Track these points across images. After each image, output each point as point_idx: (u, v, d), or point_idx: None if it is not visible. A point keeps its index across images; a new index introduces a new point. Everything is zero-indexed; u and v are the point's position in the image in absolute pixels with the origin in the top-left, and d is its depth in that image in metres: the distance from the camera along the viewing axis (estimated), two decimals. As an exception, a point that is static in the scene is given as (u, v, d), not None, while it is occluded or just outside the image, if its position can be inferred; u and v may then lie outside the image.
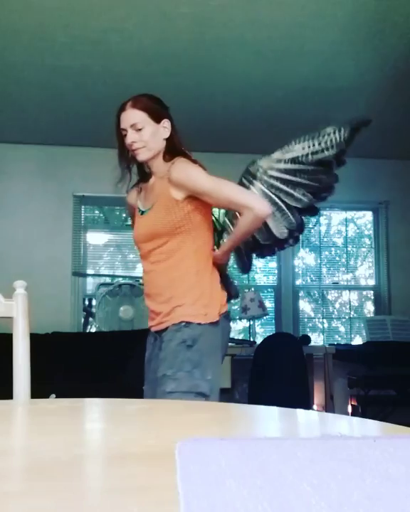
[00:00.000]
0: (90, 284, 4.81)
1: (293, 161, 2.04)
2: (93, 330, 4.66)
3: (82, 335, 4.48)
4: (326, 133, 2.15)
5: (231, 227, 2.03)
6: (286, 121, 4.20)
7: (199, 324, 1.77)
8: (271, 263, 5.05)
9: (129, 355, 3.61)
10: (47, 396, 2.82)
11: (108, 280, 4.78)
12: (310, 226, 5.23)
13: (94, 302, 4.53)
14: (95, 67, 3.39)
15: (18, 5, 2.75)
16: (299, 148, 2.11)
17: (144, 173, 1.96)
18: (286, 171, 2.02)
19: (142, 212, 1.91)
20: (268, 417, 0.94)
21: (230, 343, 3.20)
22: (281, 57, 3.27)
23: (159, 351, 1.85)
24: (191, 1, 2.72)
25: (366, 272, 5.29)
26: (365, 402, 4.18)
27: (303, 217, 2.08)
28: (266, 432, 0.83)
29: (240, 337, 4.79)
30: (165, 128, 1.84)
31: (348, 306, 5.20)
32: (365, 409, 4.18)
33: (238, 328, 4.97)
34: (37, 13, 2.82)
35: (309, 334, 4.65)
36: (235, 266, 2.30)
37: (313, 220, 5.24)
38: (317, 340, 4.96)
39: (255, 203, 1.78)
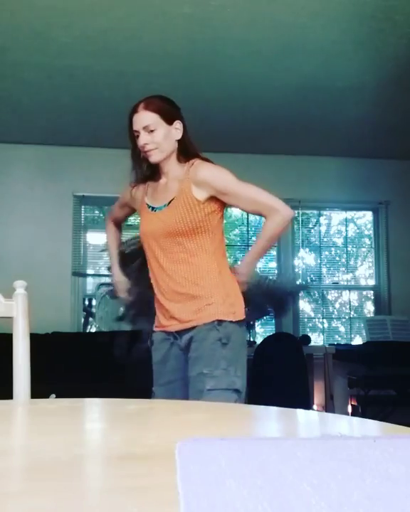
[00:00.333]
0: (90, 284, 4.82)
1: None
2: (93, 330, 4.66)
3: (82, 335, 4.48)
4: None
5: None
6: (286, 121, 4.20)
7: (230, 322, 1.79)
8: (271, 263, 5.05)
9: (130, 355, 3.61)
10: (47, 396, 2.81)
11: (108, 280, 4.78)
12: (310, 226, 5.24)
13: (94, 302, 4.53)
14: (95, 67, 3.39)
15: (18, 5, 2.75)
16: None
17: (153, 172, 1.95)
18: None
19: (153, 209, 1.90)
20: (268, 417, 0.94)
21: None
22: (281, 57, 3.27)
23: (181, 352, 1.84)
24: (191, 1, 2.72)
25: (366, 272, 5.29)
26: (365, 402, 4.18)
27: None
28: (266, 432, 0.83)
29: (240, 337, 4.78)
30: (177, 129, 1.84)
31: (348, 306, 5.20)
32: (365, 409, 4.18)
33: (238, 328, 4.96)
34: (37, 13, 2.82)
35: (309, 334, 4.65)
36: None
37: (313, 220, 5.24)
38: (317, 340, 4.96)
39: (280, 205, 1.80)
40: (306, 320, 5.11)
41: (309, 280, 5.15)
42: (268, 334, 4.47)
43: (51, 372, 3.40)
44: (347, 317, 5.17)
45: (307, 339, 4.42)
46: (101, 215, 5.15)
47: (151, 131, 1.81)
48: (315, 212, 5.22)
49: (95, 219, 5.10)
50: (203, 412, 0.93)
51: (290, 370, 3.84)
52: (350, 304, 5.20)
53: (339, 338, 5.12)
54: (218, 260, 1.86)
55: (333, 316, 5.22)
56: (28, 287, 1.31)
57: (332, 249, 5.23)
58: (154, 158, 1.85)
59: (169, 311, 1.84)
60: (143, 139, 1.82)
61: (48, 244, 4.58)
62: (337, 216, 5.30)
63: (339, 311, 5.26)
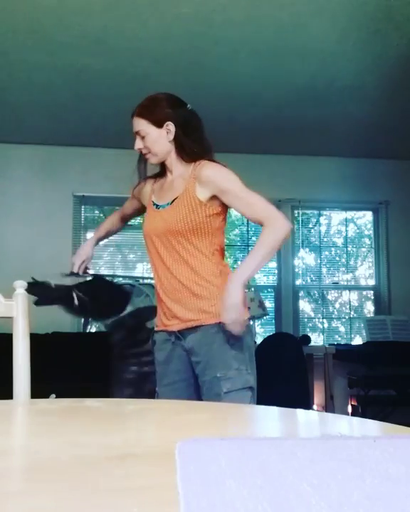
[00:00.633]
0: (90, 284, 4.81)
1: None
2: (93, 330, 4.66)
3: (82, 335, 4.48)
4: None
5: None
6: (286, 121, 4.20)
7: None
8: (271, 263, 5.05)
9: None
10: (47, 396, 2.81)
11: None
12: (310, 226, 5.24)
13: (94, 302, 4.53)
14: (95, 66, 3.39)
15: (18, 5, 2.75)
16: None
17: (163, 170, 1.98)
18: None
19: (157, 207, 1.90)
20: (268, 417, 0.94)
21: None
22: (281, 57, 3.27)
23: (184, 353, 1.83)
24: (191, 1, 2.72)
25: (366, 272, 5.29)
26: (365, 402, 4.18)
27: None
28: (266, 432, 0.83)
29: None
30: (169, 131, 1.85)
31: (348, 306, 5.20)
32: (365, 409, 4.18)
33: (238, 328, 4.96)
34: (37, 13, 2.82)
35: (309, 334, 4.65)
36: None
37: (313, 220, 5.24)
38: (317, 340, 4.96)
39: (280, 215, 1.77)
40: (306, 320, 5.11)
41: (139, 281, 5.15)
42: (268, 334, 4.47)
43: (51, 372, 3.40)
44: (347, 317, 5.18)
45: (307, 339, 4.42)
46: (101, 215, 5.15)
47: (143, 136, 1.87)
48: (315, 212, 5.22)
49: (95, 219, 5.10)
50: (203, 412, 0.93)
51: (290, 370, 3.84)
52: (350, 304, 5.20)
53: (339, 338, 5.12)
54: (218, 262, 1.86)
55: (333, 316, 5.22)
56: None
57: (332, 249, 5.23)
58: (151, 160, 1.93)
59: (171, 310, 1.84)
60: (136, 144, 1.90)
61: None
62: (337, 216, 5.30)
63: (339, 311, 5.26)
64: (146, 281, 4.78)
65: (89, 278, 2.16)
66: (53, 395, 3.00)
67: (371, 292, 5.18)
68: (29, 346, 1.26)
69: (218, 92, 3.74)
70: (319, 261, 5.14)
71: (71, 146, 4.64)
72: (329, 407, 4.27)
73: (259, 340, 4.35)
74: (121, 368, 2.60)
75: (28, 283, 1.40)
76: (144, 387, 2.40)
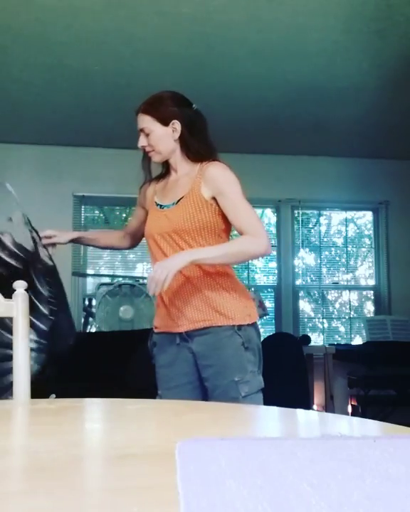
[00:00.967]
0: (90, 284, 4.82)
1: None
2: (93, 330, 4.66)
3: (82, 335, 4.48)
4: None
5: None
6: (286, 121, 4.20)
7: (248, 325, 1.78)
8: (271, 263, 5.05)
9: (130, 355, 3.61)
10: (47, 396, 2.81)
11: (108, 280, 4.78)
12: (310, 226, 5.24)
13: (94, 302, 4.53)
14: (95, 67, 3.38)
15: (18, 4, 2.75)
16: None
17: (167, 169, 1.96)
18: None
19: (161, 207, 1.87)
20: (268, 417, 0.94)
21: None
22: (281, 57, 3.27)
23: (191, 354, 1.79)
24: (191, 1, 2.72)
25: (366, 272, 5.29)
26: (365, 402, 4.18)
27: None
28: (266, 432, 0.83)
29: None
30: (175, 129, 1.83)
31: (348, 306, 5.20)
32: (365, 409, 4.18)
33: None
34: (37, 13, 2.82)
35: (309, 334, 4.65)
36: None
37: (313, 220, 5.24)
38: (317, 340, 4.96)
39: (266, 236, 1.73)
40: (306, 320, 5.11)
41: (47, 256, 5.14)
42: (268, 334, 4.47)
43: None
44: (347, 317, 5.17)
45: (307, 339, 4.42)
46: (101, 215, 5.15)
47: (148, 134, 1.84)
48: (315, 212, 5.22)
49: (95, 219, 5.10)
50: (203, 412, 0.93)
51: (290, 370, 3.84)
52: (350, 304, 5.20)
53: (339, 338, 5.12)
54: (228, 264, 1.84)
55: (333, 316, 5.22)
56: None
57: (332, 249, 5.23)
58: (154, 159, 1.90)
59: (179, 310, 1.80)
60: (140, 141, 1.87)
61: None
62: (337, 216, 5.30)
63: (339, 311, 5.26)
64: (146, 281, 4.78)
65: (47, 259, 1.95)
66: (53, 395, 3.00)
67: (371, 292, 5.18)
68: (29, 346, 1.26)
69: (218, 92, 3.74)
70: (319, 261, 5.14)
71: (71, 146, 4.64)
72: (329, 407, 4.27)
73: (259, 340, 4.35)
74: None
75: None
76: None
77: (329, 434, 0.73)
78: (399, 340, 4.42)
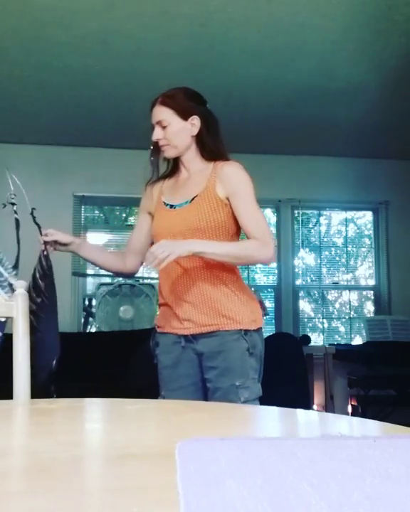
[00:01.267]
0: (90, 284, 4.81)
1: None
2: (93, 330, 4.66)
3: (82, 335, 4.48)
4: None
5: None
6: (286, 121, 4.20)
7: (254, 331, 1.76)
8: (271, 263, 5.04)
9: (130, 355, 3.62)
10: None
11: (108, 280, 4.78)
12: (310, 226, 5.24)
13: (94, 302, 4.53)
14: (95, 66, 3.38)
15: (18, 4, 2.75)
16: None
17: (173, 168, 1.90)
18: None
19: (171, 206, 1.82)
20: (268, 417, 0.94)
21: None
22: (281, 57, 3.27)
23: (195, 356, 1.77)
24: (191, 1, 2.72)
25: (366, 272, 5.29)
26: (365, 402, 4.18)
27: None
28: (266, 432, 0.83)
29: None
30: (193, 125, 1.79)
31: (348, 306, 5.20)
32: (365, 409, 4.18)
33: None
34: (37, 13, 2.82)
35: (309, 334, 4.65)
36: None
37: (313, 220, 5.24)
38: (317, 340, 4.96)
39: (272, 243, 1.71)
40: (306, 320, 5.11)
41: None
42: (268, 334, 4.47)
43: (51, 372, 3.40)
44: (347, 317, 5.17)
45: (307, 339, 4.42)
46: (101, 215, 5.15)
47: (165, 126, 1.78)
48: (315, 212, 5.22)
49: (95, 219, 5.10)
50: (203, 412, 0.93)
51: (290, 370, 3.83)
52: (350, 304, 5.20)
53: (339, 338, 5.12)
54: (234, 267, 1.81)
55: (333, 316, 5.22)
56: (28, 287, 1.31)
57: (332, 249, 5.23)
58: (167, 153, 1.83)
59: (185, 313, 1.76)
60: (155, 134, 1.80)
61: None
62: (337, 216, 5.30)
63: (339, 311, 5.26)
64: (146, 281, 4.78)
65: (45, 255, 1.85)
66: (53, 395, 3.00)
67: (371, 292, 5.18)
68: (29, 346, 1.26)
69: (218, 92, 3.73)
70: (319, 261, 5.14)
71: (71, 146, 4.64)
72: (329, 407, 4.27)
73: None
74: None
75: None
76: None
77: (329, 434, 0.73)
78: (399, 340, 4.42)
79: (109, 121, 4.14)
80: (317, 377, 4.40)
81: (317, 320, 5.18)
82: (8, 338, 1.26)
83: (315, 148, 4.76)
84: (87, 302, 4.70)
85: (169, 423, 0.83)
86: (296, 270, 5.03)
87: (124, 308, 4.35)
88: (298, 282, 5.05)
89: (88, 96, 3.79)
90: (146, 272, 5.01)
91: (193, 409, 1.00)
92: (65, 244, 1.90)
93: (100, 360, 3.85)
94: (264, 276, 5.11)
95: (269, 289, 5.04)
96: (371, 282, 5.17)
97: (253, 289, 4.74)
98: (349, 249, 5.24)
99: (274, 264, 5.01)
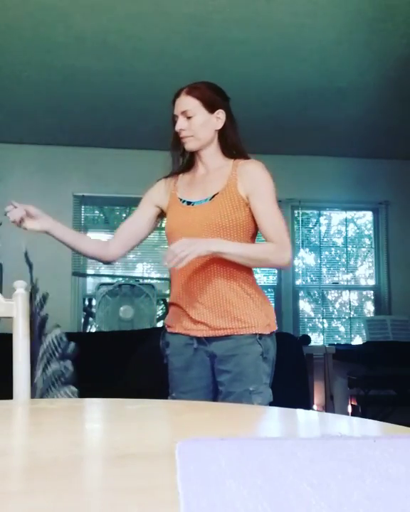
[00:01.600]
0: (90, 284, 4.82)
1: None
2: (93, 330, 4.66)
3: (82, 335, 4.48)
4: None
5: None
6: (286, 122, 4.20)
7: (267, 335, 1.73)
8: (271, 263, 5.04)
9: (130, 355, 3.61)
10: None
11: (108, 280, 4.78)
12: (310, 226, 5.24)
13: (94, 302, 4.54)
14: (95, 67, 3.38)
15: (18, 4, 2.75)
16: None
17: (189, 164, 1.85)
18: None
19: (189, 203, 1.76)
20: (268, 417, 0.94)
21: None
22: (281, 57, 3.27)
23: (208, 358, 1.73)
24: (190, 1, 2.72)
25: (366, 272, 5.29)
26: (365, 402, 4.18)
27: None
28: (266, 431, 0.83)
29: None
30: (218, 118, 1.76)
31: (348, 306, 5.20)
32: (365, 409, 4.18)
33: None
34: (37, 13, 2.82)
35: (309, 334, 4.65)
36: None
37: (313, 220, 5.24)
38: (317, 340, 4.96)
39: (290, 248, 1.68)
40: (306, 320, 5.11)
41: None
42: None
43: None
44: (347, 317, 5.17)
45: (307, 339, 4.42)
46: (101, 215, 5.15)
47: (190, 117, 1.73)
48: (315, 212, 5.22)
49: (95, 219, 5.10)
50: (203, 412, 0.93)
51: (290, 370, 3.83)
52: (350, 304, 5.20)
53: (339, 338, 5.11)
54: (251, 271, 1.77)
55: (333, 316, 5.22)
56: (28, 287, 1.31)
57: (332, 249, 5.23)
58: (189, 145, 1.76)
59: (200, 314, 1.71)
60: (179, 124, 1.74)
61: (48, 244, 4.57)
62: (337, 216, 5.30)
63: (339, 311, 5.26)
64: (146, 281, 4.78)
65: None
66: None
67: (371, 292, 5.18)
68: (29, 346, 1.26)
69: (218, 92, 3.74)
70: (319, 261, 5.14)
71: (71, 146, 4.64)
72: (329, 407, 4.27)
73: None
74: None
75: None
76: None
77: (329, 434, 0.73)
78: (399, 340, 4.42)
79: (109, 121, 4.14)
80: (317, 377, 4.40)
81: (317, 320, 5.18)
82: (8, 338, 1.26)
83: (315, 148, 4.76)
84: (87, 302, 4.70)
85: (169, 423, 0.83)
86: (296, 270, 5.03)
87: (124, 308, 4.35)
88: (298, 282, 5.05)
89: (88, 96, 3.79)
90: (146, 272, 5.01)
91: (193, 409, 1.00)
92: (34, 219, 1.82)
93: (100, 360, 3.85)
94: (264, 276, 5.11)
95: (269, 289, 5.03)
96: (371, 282, 5.17)
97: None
98: (349, 249, 5.24)
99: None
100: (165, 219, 1.86)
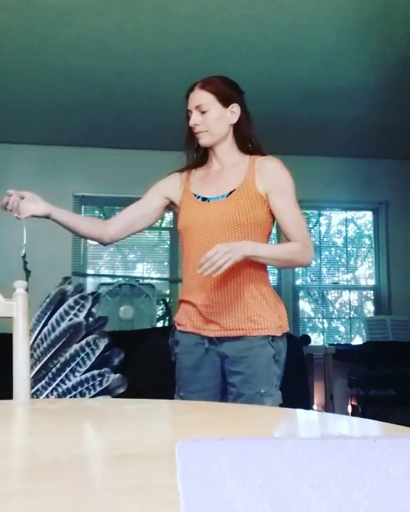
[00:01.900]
0: (90, 284, 4.81)
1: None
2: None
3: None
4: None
5: None
6: (286, 121, 4.20)
7: (280, 337, 1.71)
8: (271, 263, 5.04)
9: (129, 355, 3.61)
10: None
11: (108, 280, 4.78)
12: (310, 226, 5.24)
13: (94, 302, 4.53)
14: (95, 66, 3.38)
15: (18, 4, 2.75)
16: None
17: (203, 159, 1.81)
18: None
19: (204, 199, 1.72)
20: (268, 417, 0.94)
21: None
22: (281, 57, 3.27)
23: (219, 358, 1.70)
24: (190, 1, 2.72)
25: (366, 272, 5.29)
26: (365, 402, 4.18)
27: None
28: (266, 431, 0.83)
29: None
30: (233, 113, 1.73)
31: (348, 306, 5.20)
32: (365, 409, 4.18)
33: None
34: (37, 13, 2.82)
35: (310, 334, 4.65)
36: None
37: (313, 220, 5.24)
38: (317, 340, 4.96)
39: (311, 246, 1.68)
40: (306, 320, 5.11)
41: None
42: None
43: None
44: (347, 317, 5.17)
45: (307, 339, 4.42)
46: (101, 215, 5.15)
47: (204, 112, 1.70)
48: (315, 212, 5.22)
49: (95, 219, 5.10)
50: (203, 412, 0.93)
51: (290, 370, 3.83)
52: (350, 304, 5.20)
53: (339, 338, 5.11)
54: (267, 271, 1.75)
55: (333, 316, 5.22)
56: (28, 287, 1.31)
57: (332, 249, 5.23)
58: (204, 140, 1.73)
59: (213, 314, 1.68)
60: (193, 119, 1.71)
61: (48, 244, 4.58)
62: (337, 216, 5.30)
63: (339, 311, 5.26)
64: (146, 281, 4.78)
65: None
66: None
67: (371, 292, 5.18)
68: (29, 346, 1.26)
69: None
70: (319, 261, 5.14)
71: (71, 146, 4.64)
72: (329, 407, 4.27)
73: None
74: None
75: None
76: None
77: (329, 434, 0.73)
78: (399, 340, 4.42)
79: (109, 121, 4.14)
80: (317, 377, 4.40)
81: (317, 320, 5.18)
82: (8, 338, 1.26)
83: (315, 148, 4.76)
84: (87, 302, 4.69)
85: (169, 423, 0.83)
86: (296, 270, 5.03)
87: (124, 308, 4.35)
88: (298, 282, 5.05)
89: (88, 96, 3.79)
90: (146, 272, 5.01)
91: (193, 409, 1.00)
92: (32, 203, 1.78)
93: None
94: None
95: (269, 289, 5.03)
96: (371, 282, 5.17)
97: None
98: (349, 249, 5.24)
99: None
100: (176, 214, 1.82)
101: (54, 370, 1.15)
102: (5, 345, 1.37)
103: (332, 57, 3.29)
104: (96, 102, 3.87)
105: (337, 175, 4.96)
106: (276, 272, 5.01)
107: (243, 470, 0.51)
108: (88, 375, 1.14)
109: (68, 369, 1.16)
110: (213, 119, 1.70)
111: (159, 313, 4.95)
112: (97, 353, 1.23)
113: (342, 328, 5.19)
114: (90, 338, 1.26)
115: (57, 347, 1.20)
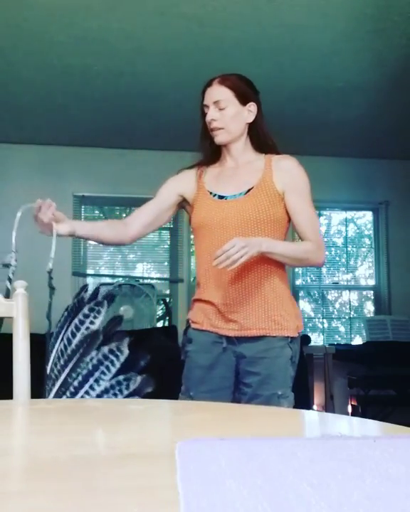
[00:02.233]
0: (90, 284, 4.82)
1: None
2: (93, 330, 4.65)
3: (82, 335, 4.47)
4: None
5: None
6: (286, 121, 4.20)
7: (296, 338, 1.71)
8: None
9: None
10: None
11: (108, 280, 4.78)
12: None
13: (94, 302, 4.53)
14: (95, 66, 3.38)
15: (18, 4, 2.75)
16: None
17: (215, 156, 1.79)
18: None
19: (221, 197, 1.70)
20: (268, 417, 0.94)
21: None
22: (281, 57, 3.27)
23: (235, 358, 1.68)
24: (190, 1, 2.72)
25: (366, 272, 5.29)
26: (365, 402, 4.18)
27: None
28: (266, 432, 0.83)
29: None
30: (250, 112, 1.72)
31: (348, 306, 5.20)
32: (365, 409, 4.18)
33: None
34: (37, 13, 2.82)
35: (310, 334, 4.65)
36: None
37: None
38: (317, 340, 4.96)
39: (324, 247, 1.69)
40: (306, 320, 5.11)
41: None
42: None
43: (51, 372, 3.40)
44: (347, 317, 5.18)
45: (307, 339, 4.42)
46: (101, 215, 5.15)
47: (222, 108, 1.69)
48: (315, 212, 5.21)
49: (95, 219, 5.10)
50: (203, 412, 0.93)
51: (290, 370, 3.83)
52: (350, 304, 5.20)
53: (339, 338, 5.12)
54: (285, 270, 1.74)
55: (333, 316, 5.22)
56: (28, 287, 1.31)
57: (332, 249, 5.23)
58: (220, 138, 1.71)
59: (233, 313, 1.66)
60: (211, 114, 1.69)
61: (47, 244, 4.58)
62: (337, 216, 5.30)
63: (339, 311, 5.26)
64: (146, 281, 4.78)
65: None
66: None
67: (371, 292, 5.18)
68: (29, 346, 1.26)
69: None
70: (319, 261, 5.13)
71: (71, 146, 4.64)
72: (329, 407, 4.27)
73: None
74: None
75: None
76: None
77: (329, 434, 0.73)
78: (399, 340, 4.42)
79: (109, 121, 4.14)
80: (317, 377, 4.40)
81: (317, 320, 5.18)
82: (8, 338, 1.26)
83: (315, 148, 4.76)
84: (87, 302, 4.69)
85: (169, 423, 0.83)
86: (296, 270, 5.03)
87: (124, 308, 4.34)
88: (298, 282, 5.05)
89: (88, 96, 3.79)
90: (146, 272, 5.01)
91: (194, 409, 1.00)
92: (60, 222, 1.70)
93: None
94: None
95: (269, 289, 5.03)
96: (371, 282, 5.17)
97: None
98: (349, 249, 5.24)
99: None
100: (193, 212, 1.77)
101: (76, 383, 1.15)
102: (5, 345, 1.38)
103: (332, 57, 3.29)
104: (96, 101, 3.87)
105: (337, 175, 4.95)
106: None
107: (243, 470, 0.51)
108: (114, 381, 1.14)
109: (92, 379, 1.15)
110: (230, 116, 1.69)
111: (159, 313, 4.95)
112: (122, 358, 1.22)
113: (342, 328, 5.19)
114: (113, 345, 1.25)
115: (75, 360, 1.19)
